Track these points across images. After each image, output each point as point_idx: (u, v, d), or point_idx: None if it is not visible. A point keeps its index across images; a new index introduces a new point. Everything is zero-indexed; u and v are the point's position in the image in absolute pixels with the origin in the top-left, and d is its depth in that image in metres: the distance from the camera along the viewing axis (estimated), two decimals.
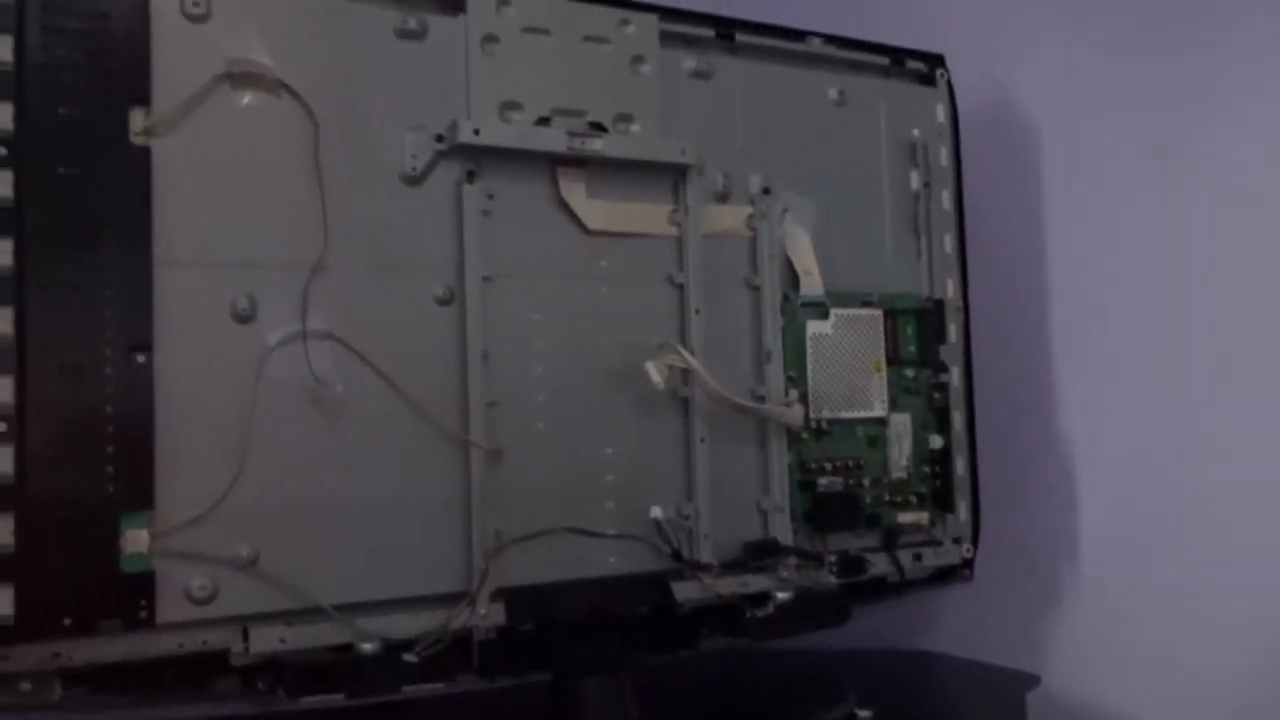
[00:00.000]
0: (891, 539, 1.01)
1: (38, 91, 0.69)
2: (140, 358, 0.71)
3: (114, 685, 0.71)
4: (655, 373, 0.86)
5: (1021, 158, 1.22)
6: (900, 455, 1.03)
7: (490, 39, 0.85)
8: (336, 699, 0.73)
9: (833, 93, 1.03)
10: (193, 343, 0.73)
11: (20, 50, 0.69)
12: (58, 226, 0.69)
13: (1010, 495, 1.14)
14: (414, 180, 0.82)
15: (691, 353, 0.90)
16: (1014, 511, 1.15)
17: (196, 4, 0.75)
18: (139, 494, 0.70)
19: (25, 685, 0.68)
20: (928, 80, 1.09)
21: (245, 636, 0.73)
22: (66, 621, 0.68)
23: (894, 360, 1.04)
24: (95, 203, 0.70)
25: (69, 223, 0.69)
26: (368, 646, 0.75)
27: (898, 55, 1.08)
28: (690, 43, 0.96)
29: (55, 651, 0.68)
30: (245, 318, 0.75)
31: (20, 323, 0.68)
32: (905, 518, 1.03)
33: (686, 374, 0.90)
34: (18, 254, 0.68)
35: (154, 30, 0.73)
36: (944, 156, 1.09)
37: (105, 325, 0.70)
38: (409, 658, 0.76)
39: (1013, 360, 1.19)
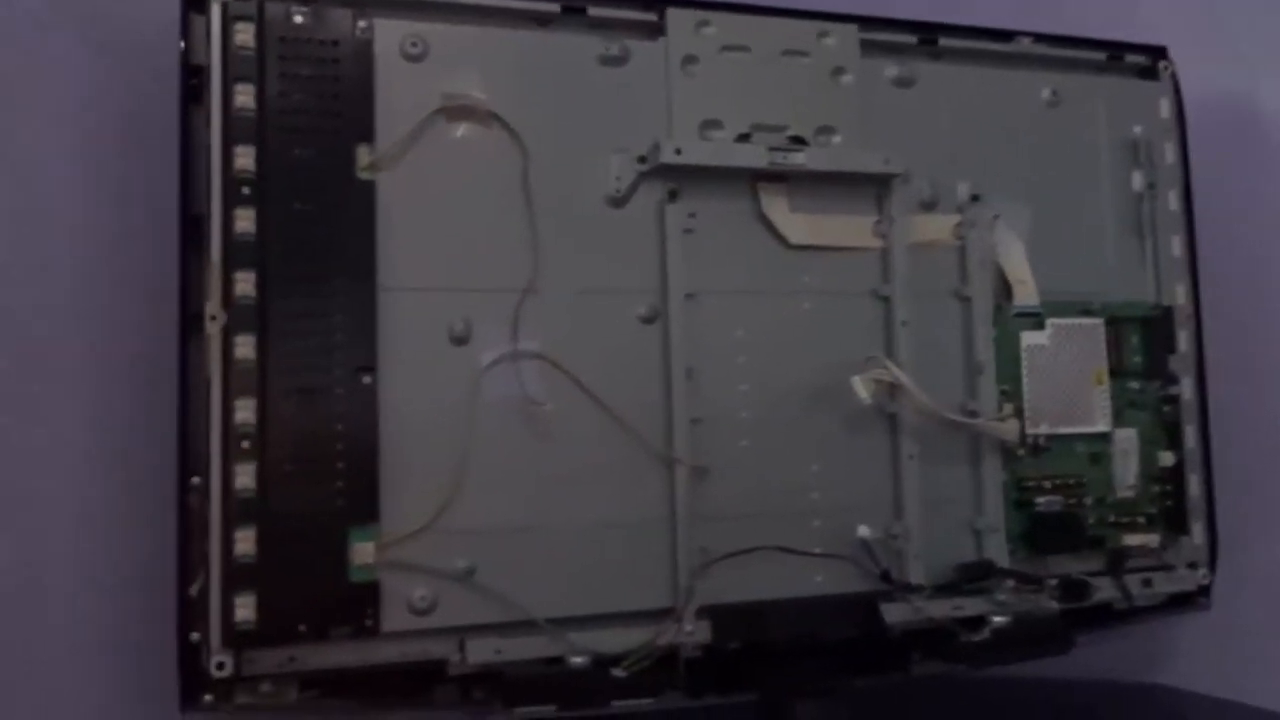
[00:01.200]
0: (1117, 562, 0.95)
1: (275, 134, 0.74)
2: (366, 379, 0.75)
3: (342, 691, 0.75)
4: (862, 388, 0.84)
5: (1255, 152, 1.13)
6: (1126, 473, 0.97)
7: (690, 60, 0.85)
8: (548, 711, 0.74)
9: (1045, 93, 0.98)
10: (413, 364, 0.77)
11: (261, 97, 0.74)
12: (293, 258, 0.74)
13: (1252, 517, 1.06)
14: (618, 202, 0.83)
15: (899, 367, 0.87)
16: (1257, 534, 1.06)
17: (414, 44, 0.79)
18: (365, 508, 0.74)
19: (266, 687, 0.73)
20: (1149, 74, 1.03)
21: (462, 647, 0.76)
22: (301, 628, 0.72)
23: (1118, 372, 0.98)
24: (325, 235, 0.75)
25: (303, 254, 0.74)
26: (578, 660, 0.77)
27: (1115, 50, 1.02)
28: (892, 50, 0.93)
29: (291, 655, 0.73)
30: (461, 340, 0.78)
31: (261, 348, 0.73)
32: (1132, 540, 0.96)
33: (894, 389, 0.88)
34: (259, 284, 0.73)
35: (376, 71, 0.78)
36: (1169, 154, 1.02)
37: (335, 349, 0.74)
38: (618, 673, 0.77)
39: (1250, 370, 1.10)
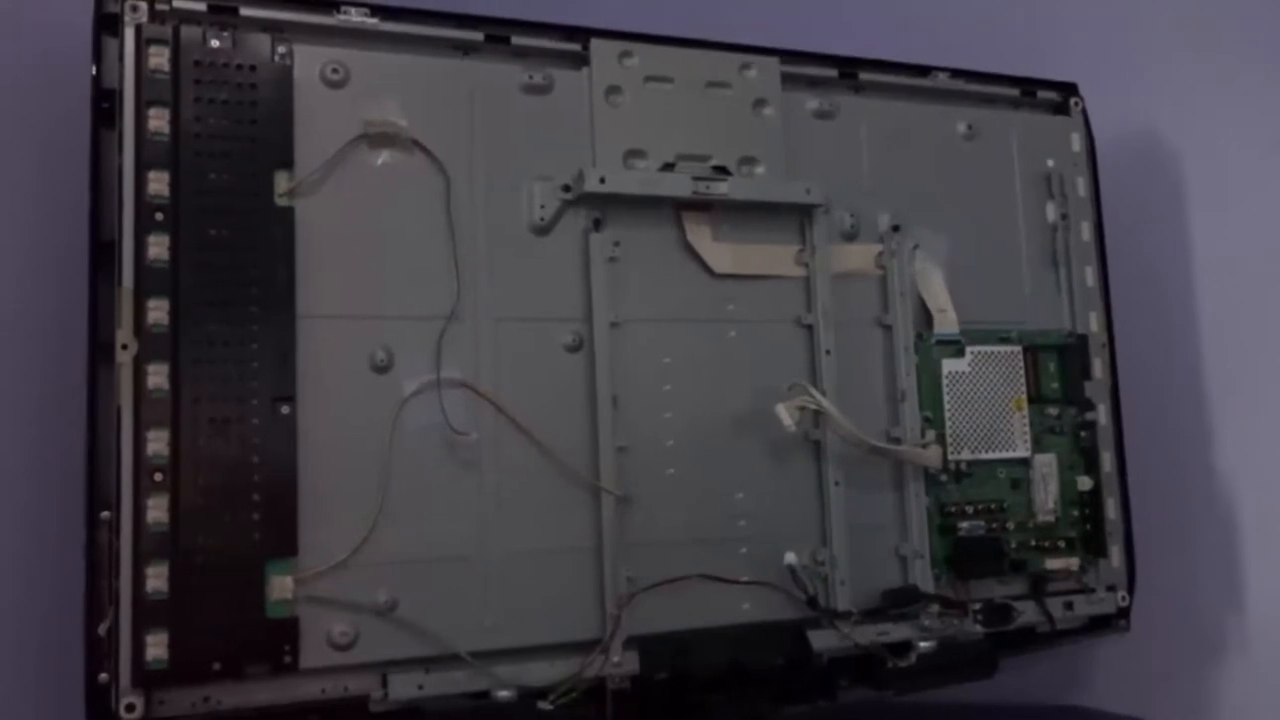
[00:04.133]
0: (1039, 586, 0.97)
1: (190, 159, 0.73)
2: (284, 409, 0.73)
3: None
4: (786, 415, 0.85)
5: (1164, 186, 1.16)
6: (1046, 497, 0.99)
7: (614, 90, 0.86)
8: None
9: (962, 126, 1.00)
10: (333, 393, 0.76)
11: (175, 121, 0.73)
12: (208, 286, 0.73)
13: (1167, 539, 1.08)
14: (542, 230, 0.83)
15: (823, 394, 0.88)
16: (1173, 557, 1.09)
17: (335, 70, 0.78)
18: (283, 542, 0.72)
19: None
20: (1061, 110, 1.06)
21: (384, 683, 0.74)
22: (216, 666, 0.70)
23: (1036, 398, 1.00)
24: (242, 262, 0.74)
25: (218, 282, 0.73)
26: (504, 694, 0.75)
27: (1028, 86, 1.05)
28: (813, 83, 0.95)
29: (206, 695, 0.70)
30: (383, 368, 0.77)
31: (174, 378, 0.71)
32: (1054, 563, 0.98)
33: (818, 416, 0.88)
34: (172, 312, 0.71)
35: (296, 97, 0.77)
36: (1081, 187, 1.05)
37: (252, 378, 0.73)
38: (544, 705, 0.75)
39: (1163, 396, 1.13)
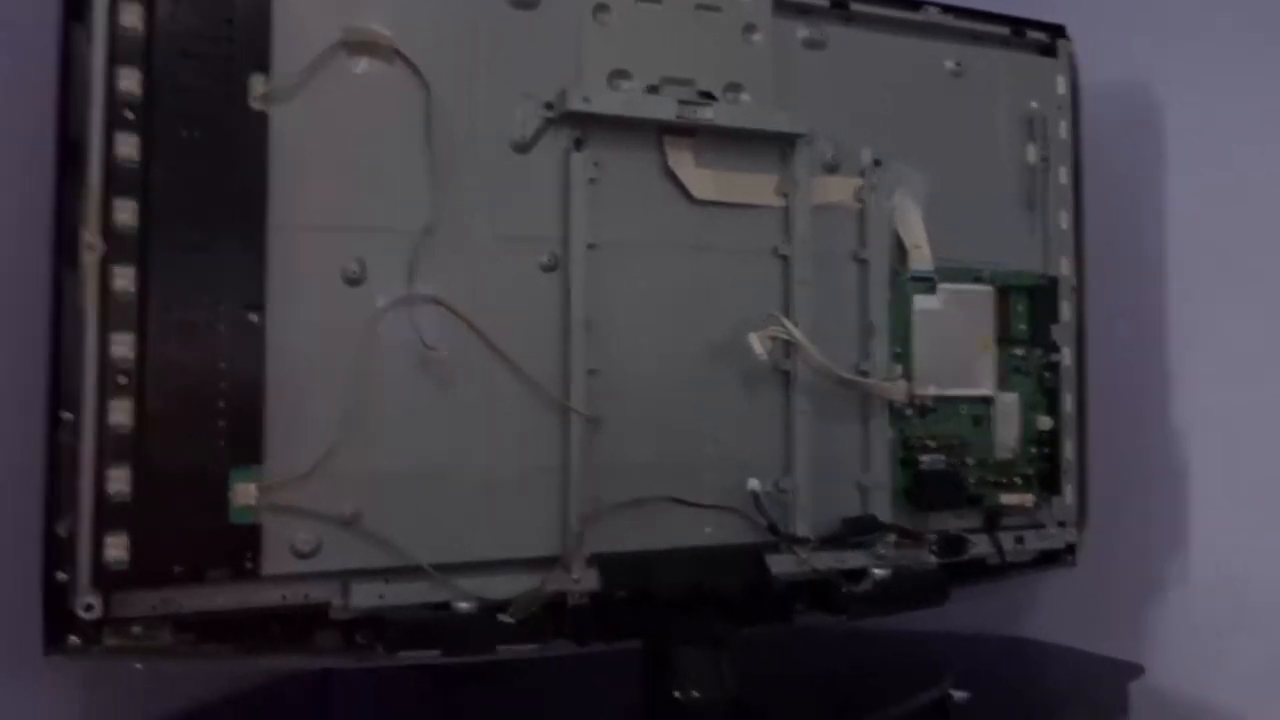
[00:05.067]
0: (994, 520, 0.99)
1: (164, 59, 0.71)
2: (253, 317, 0.73)
3: (220, 634, 0.74)
4: (758, 345, 0.85)
5: (1145, 133, 1.17)
6: (1007, 435, 1.00)
7: (602, 8, 0.84)
8: (433, 655, 0.74)
9: (949, 63, 1.00)
10: (304, 304, 0.75)
11: (149, 17, 0.70)
12: (179, 189, 0.71)
13: (1120, 480, 1.11)
14: (523, 148, 0.82)
15: (796, 325, 0.88)
16: (1123, 497, 1.11)
17: None
18: (249, 449, 0.72)
19: (137, 629, 0.71)
20: (1048, 51, 1.05)
21: (346, 591, 0.75)
22: (177, 569, 0.70)
23: (1004, 339, 1.01)
24: (214, 166, 0.72)
25: (189, 185, 0.71)
26: (465, 606, 0.76)
27: (1018, 25, 1.04)
28: (804, 11, 0.93)
29: (166, 598, 0.71)
30: (355, 281, 0.76)
31: (141, 281, 0.70)
32: (1009, 499, 1.00)
33: (790, 347, 0.89)
34: (142, 214, 0.70)
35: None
36: (1063, 130, 1.05)
37: (221, 285, 0.72)
38: (504, 618, 0.77)
39: (1128, 342, 1.15)
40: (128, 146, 0.70)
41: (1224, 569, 1.09)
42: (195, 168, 0.71)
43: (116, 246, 0.69)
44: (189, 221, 0.71)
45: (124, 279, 0.69)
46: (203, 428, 0.71)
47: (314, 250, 0.75)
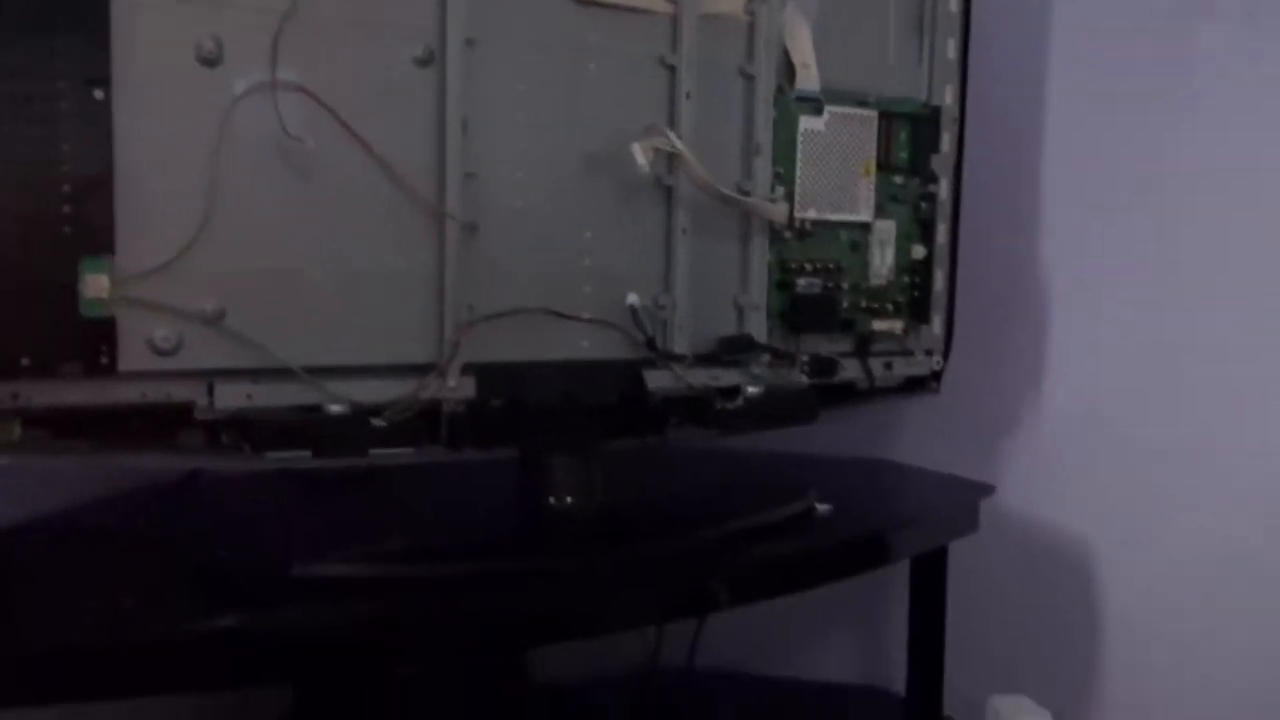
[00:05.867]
0: (864, 345, 1.01)
1: None
2: (97, 93, 0.67)
3: (77, 431, 0.70)
4: (641, 155, 0.83)
5: None
6: (881, 263, 1.02)
7: None
8: (303, 456, 0.73)
9: None
10: (154, 83, 0.69)
11: None
12: None
13: (987, 316, 1.14)
14: None
15: (679, 138, 0.86)
16: (988, 332, 1.15)
17: None
18: (98, 238, 0.68)
19: None
20: None
21: (210, 391, 0.72)
22: (25, 361, 0.66)
23: (885, 166, 1.01)
24: None
25: None
26: (336, 408, 0.75)
27: None
28: None
29: (14, 392, 0.67)
30: (211, 61, 0.71)
31: None
32: (880, 325, 1.02)
33: (672, 160, 0.87)
34: None
35: None
36: None
37: (57, 54, 0.65)
38: (377, 422, 0.75)
39: (1003, 175, 1.17)
40: None
41: (1077, 401, 1.15)
42: None
43: None
44: None
45: None
46: (45, 212, 0.66)
47: (164, 23, 0.69)
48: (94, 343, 0.68)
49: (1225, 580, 1.03)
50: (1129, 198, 1.09)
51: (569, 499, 0.84)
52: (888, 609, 1.20)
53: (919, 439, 1.22)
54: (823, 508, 0.94)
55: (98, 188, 0.67)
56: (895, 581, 1.12)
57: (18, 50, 0.65)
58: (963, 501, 1.05)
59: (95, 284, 0.68)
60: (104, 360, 0.68)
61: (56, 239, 0.67)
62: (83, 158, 0.67)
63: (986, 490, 1.07)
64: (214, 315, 0.72)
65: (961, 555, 1.07)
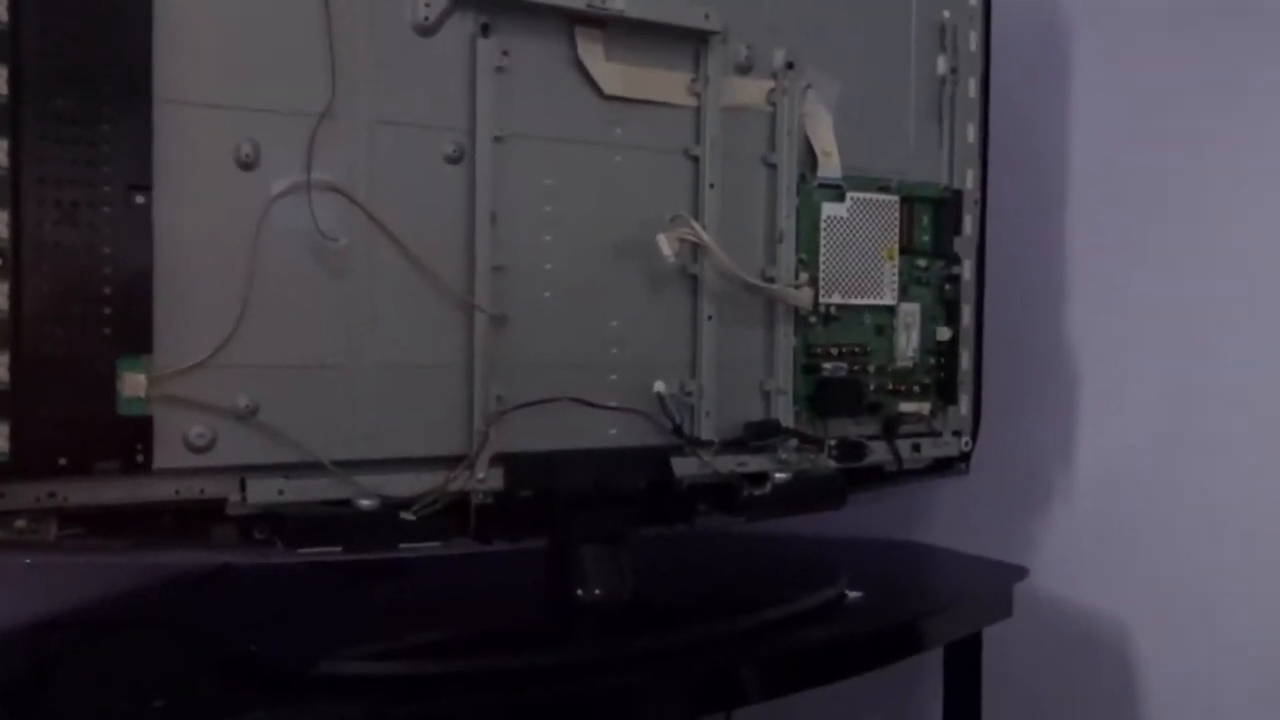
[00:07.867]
0: (892, 427, 1.01)
1: None
2: (139, 198, 0.69)
3: (111, 529, 0.71)
4: (666, 245, 0.84)
5: (1053, 51, 1.18)
6: (907, 345, 1.02)
7: None
8: (334, 551, 0.73)
9: None
10: (194, 186, 0.71)
11: None
12: (55, 54, 0.66)
13: (1014, 394, 1.14)
14: (426, 30, 0.79)
15: (704, 228, 0.88)
16: (1016, 410, 1.15)
17: None
18: (137, 337, 0.69)
19: (21, 523, 0.68)
20: None
21: (243, 487, 0.73)
22: (62, 461, 0.67)
23: (907, 249, 1.02)
24: (96, 32, 0.67)
25: (67, 51, 0.66)
26: (366, 502, 0.75)
27: None
28: None
29: (51, 491, 0.68)
30: (248, 164, 0.73)
31: (14, 154, 0.65)
32: (907, 407, 1.02)
33: (697, 249, 0.88)
34: (12, 82, 0.65)
35: None
36: (973, 42, 1.05)
37: (103, 162, 0.67)
38: (407, 516, 0.76)
39: (1027, 258, 1.18)
40: None
41: (1107, 480, 1.14)
42: (74, 32, 0.66)
43: None
44: (68, 91, 0.66)
45: None
46: (87, 313, 0.67)
47: (205, 129, 0.71)
48: (131, 441, 0.69)
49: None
50: (1153, 267, 1.09)
51: (597, 590, 0.84)
52: (922, 695, 1.18)
53: (949, 519, 1.21)
54: (853, 595, 0.93)
55: (137, 289, 0.69)
56: (929, 667, 1.10)
57: (65, 157, 0.67)
58: (995, 586, 1.04)
59: (133, 383, 0.69)
60: (140, 458, 0.69)
61: (96, 339, 0.68)
62: (124, 260, 0.68)
63: (1020, 573, 1.05)
64: (248, 411, 0.73)
65: (996, 639, 1.05)
